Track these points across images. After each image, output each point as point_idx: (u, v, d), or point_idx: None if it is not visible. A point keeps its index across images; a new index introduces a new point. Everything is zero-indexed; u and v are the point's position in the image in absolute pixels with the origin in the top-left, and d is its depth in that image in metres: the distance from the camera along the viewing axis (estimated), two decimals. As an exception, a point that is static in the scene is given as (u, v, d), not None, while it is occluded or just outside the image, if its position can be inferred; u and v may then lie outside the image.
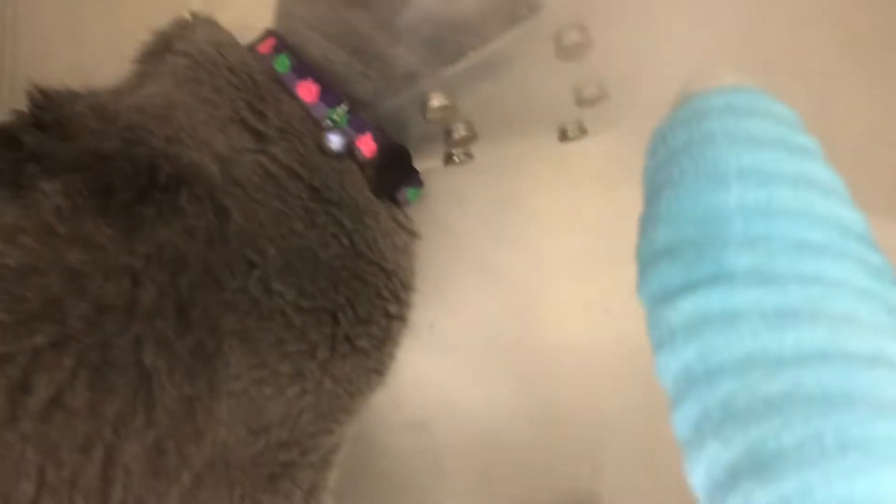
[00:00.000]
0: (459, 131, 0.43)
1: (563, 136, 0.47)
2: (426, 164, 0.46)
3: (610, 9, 0.39)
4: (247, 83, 0.38)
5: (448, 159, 0.46)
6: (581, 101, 0.44)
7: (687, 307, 0.25)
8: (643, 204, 0.29)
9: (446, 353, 0.58)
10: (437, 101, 0.41)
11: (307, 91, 0.40)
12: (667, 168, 0.28)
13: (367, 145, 0.40)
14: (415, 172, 0.43)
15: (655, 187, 0.28)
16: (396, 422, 0.55)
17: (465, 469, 0.55)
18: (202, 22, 0.42)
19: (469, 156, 0.46)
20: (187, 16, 0.43)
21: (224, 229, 0.35)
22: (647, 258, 0.27)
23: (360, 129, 0.40)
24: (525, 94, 0.43)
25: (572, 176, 0.51)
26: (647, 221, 0.28)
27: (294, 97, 0.40)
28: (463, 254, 0.56)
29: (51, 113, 0.35)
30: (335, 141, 0.39)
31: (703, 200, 0.26)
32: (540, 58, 0.40)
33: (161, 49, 0.40)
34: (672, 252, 0.26)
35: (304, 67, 0.40)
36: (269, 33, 0.42)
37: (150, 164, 0.35)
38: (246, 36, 0.42)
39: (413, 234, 0.43)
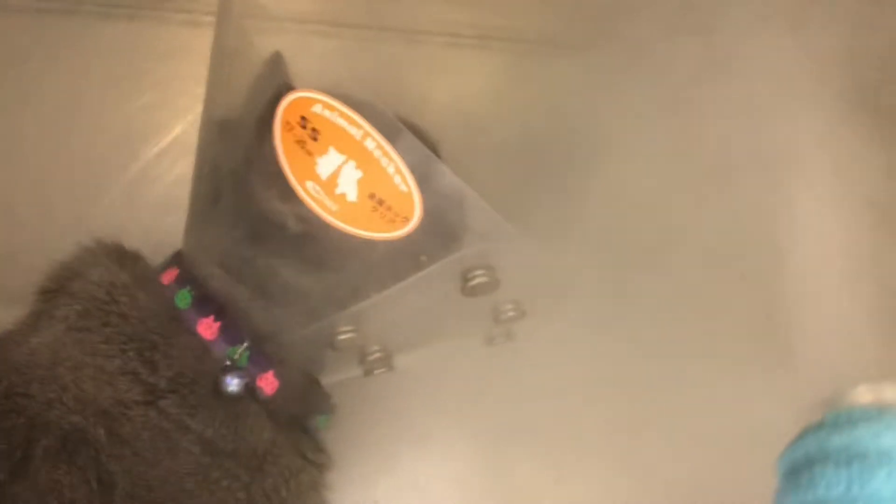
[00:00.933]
0: (374, 353, 0.42)
1: (489, 341, 0.46)
2: (344, 375, 0.45)
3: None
4: (138, 330, 0.37)
5: (368, 373, 0.44)
6: (499, 320, 0.42)
7: None
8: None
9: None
10: (344, 332, 0.39)
11: (207, 328, 0.38)
12: None
13: (268, 383, 0.39)
14: (324, 400, 0.42)
15: None
16: None
17: None
18: (104, 252, 0.40)
19: (389, 367, 0.44)
20: (91, 243, 0.42)
21: (109, 499, 0.33)
22: None
23: (262, 367, 0.39)
24: (439, 321, 0.41)
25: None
26: None
27: (194, 334, 0.38)
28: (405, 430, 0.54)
29: None
30: (233, 383, 0.38)
31: None
32: (449, 294, 0.38)
33: (58, 286, 0.39)
34: None
35: (206, 303, 0.39)
36: (174, 261, 0.41)
37: (27, 436, 0.33)
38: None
39: (323, 468, 0.41)
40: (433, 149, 0.38)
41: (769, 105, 0.54)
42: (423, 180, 0.35)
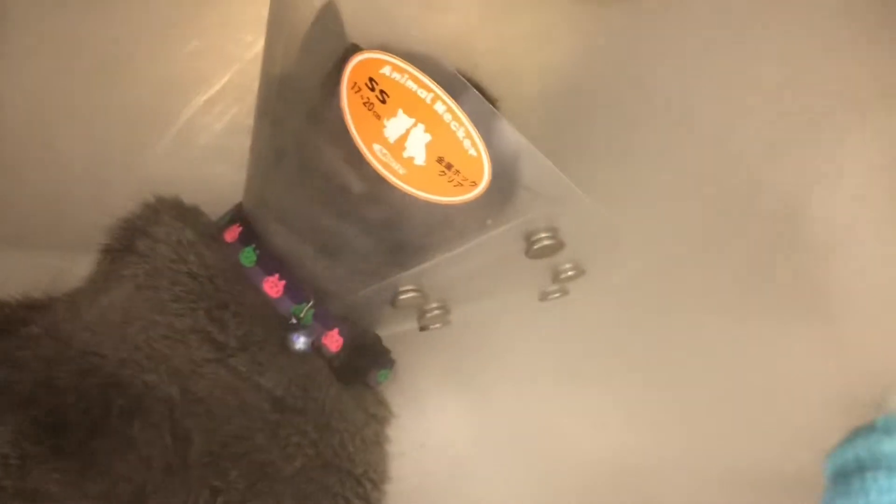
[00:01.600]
0: (432, 310, 0.42)
1: (544, 297, 0.46)
2: (400, 328, 0.45)
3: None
4: (207, 289, 0.38)
5: (423, 328, 0.45)
6: (557, 279, 0.42)
7: None
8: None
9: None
10: (406, 291, 0.40)
11: (272, 286, 0.39)
12: None
13: (333, 341, 0.40)
14: (384, 355, 0.42)
15: None
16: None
17: None
18: (166, 210, 0.41)
19: (446, 322, 0.45)
20: (152, 199, 0.42)
21: (184, 454, 0.35)
22: None
23: (327, 325, 0.39)
24: (499, 279, 0.41)
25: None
26: None
27: (259, 292, 0.39)
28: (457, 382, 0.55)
29: (3, 338, 0.35)
30: (300, 341, 0.38)
31: None
32: (512, 254, 0.38)
33: (124, 246, 0.40)
34: None
35: (271, 261, 0.39)
36: (237, 217, 0.41)
37: (103, 395, 0.34)
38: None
39: (384, 422, 0.42)
40: (493, 103, 0.37)
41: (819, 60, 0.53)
42: (487, 138, 0.34)
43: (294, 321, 0.38)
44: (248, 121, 0.54)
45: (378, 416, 0.41)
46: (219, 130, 0.58)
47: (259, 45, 0.55)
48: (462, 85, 0.33)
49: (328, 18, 0.38)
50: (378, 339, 0.42)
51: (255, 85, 0.57)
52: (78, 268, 0.45)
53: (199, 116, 0.58)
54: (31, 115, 0.57)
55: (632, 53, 0.57)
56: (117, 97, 0.57)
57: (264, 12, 0.49)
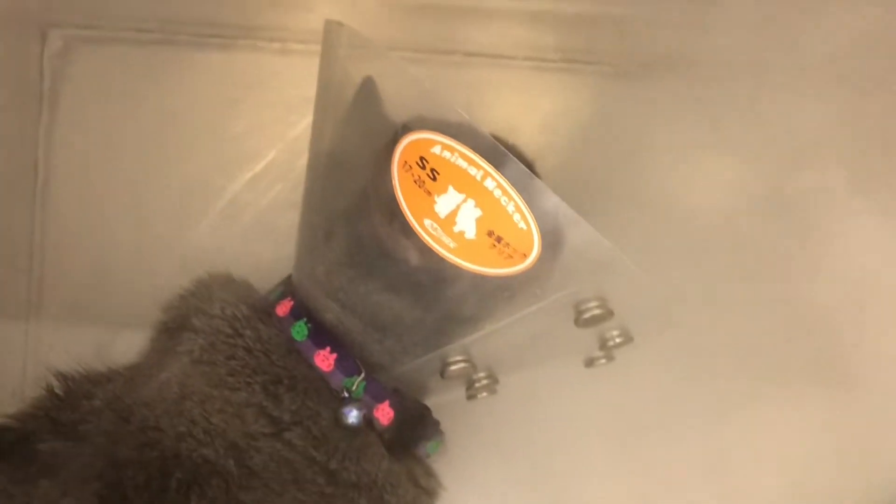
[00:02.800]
0: (480, 380, 0.43)
1: (590, 363, 0.46)
2: (448, 398, 0.46)
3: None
4: (262, 363, 0.38)
5: (471, 397, 0.45)
6: (604, 346, 0.42)
7: None
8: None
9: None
10: (455, 362, 0.40)
11: (324, 360, 0.39)
12: None
13: (384, 414, 0.40)
14: (434, 426, 0.42)
15: None
16: None
17: None
18: (220, 285, 0.42)
19: (493, 392, 0.45)
20: (205, 276, 0.43)
21: None
22: None
23: (378, 398, 0.40)
24: (546, 348, 0.42)
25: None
26: None
27: (311, 366, 0.39)
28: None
29: (68, 411, 0.36)
30: (352, 415, 0.39)
31: None
32: (560, 323, 0.39)
33: (180, 324, 0.41)
34: None
35: (321, 335, 0.40)
36: (288, 291, 0.42)
37: (162, 469, 0.34)
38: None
39: (434, 495, 0.42)
40: (531, 168, 0.38)
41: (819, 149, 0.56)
42: (531, 206, 0.35)
43: (346, 394, 0.39)
44: (292, 197, 0.57)
45: (428, 489, 0.42)
46: (263, 206, 0.60)
47: (302, 125, 0.58)
48: (502, 154, 0.34)
49: (368, 93, 0.39)
50: (428, 411, 0.42)
51: (299, 163, 0.59)
52: (131, 340, 0.46)
53: (245, 193, 0.59)
54: (82, 191, 0.60)
55: (657, 128, 0.58)
56: (164, 173, 0.60)
57: (307, 92, 0.51)
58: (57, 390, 0.38)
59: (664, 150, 0.59)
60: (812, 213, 0.58)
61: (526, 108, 0.59)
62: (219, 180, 0.60)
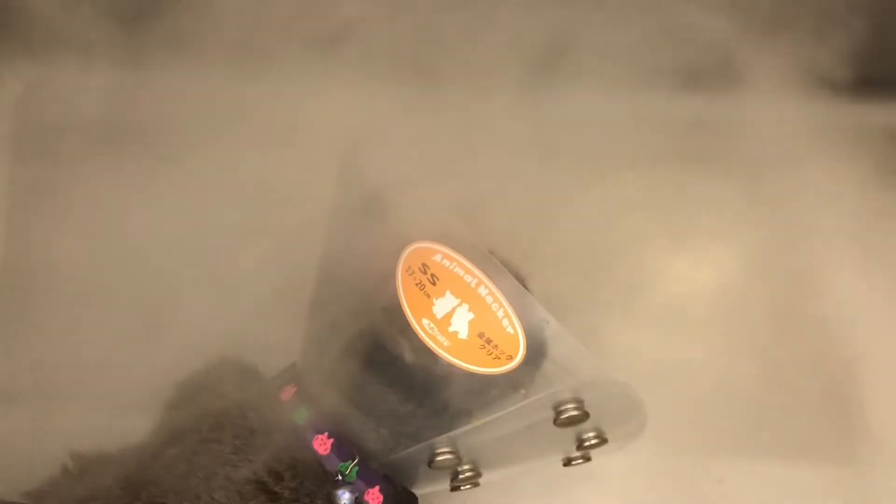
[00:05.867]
0: (465, 472, 0.46)
1: (568, 462, 0.49)
2: (433, 488, 0.48)
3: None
4: (265, 444, 0.41)
5: (455, 489, 0.48)
6: (581, 447, 0.46)
7: None
8: None
9: None
10: (442, 453, 0.43)
11: (321, 444, 0.42)
12: None
13: (374, 498, 0.43)
14: (421, 514, 0.45)
15: None
16: None
17: None
18: (230, 369, 0.45)
19: (476, 484, 0.48)
20: (215, 359, 0.47)
21: None
22: None
23: (370, 483, 0.43)
24: (528, 444, 0.45)
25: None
26: None
27: (310, 449, 0.42)
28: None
29: (81, 488, 0.38)
30: (345, 498, 0.42)
31: None
32: (540, 422, 0.42)
33: (190, 400, 0.44)
34: None
35: (321, 420, 0.43)
36: (292, 377, 0.45)
37: None
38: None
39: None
40: (522, 282, 0.43)
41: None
42: (520, 314, 0.39)
43: (340, 477, 0.42)
44: (291, 284, 0.60)
45: (412, 574, 0.44)
46: (263, 291, 0.63)
47: (303, 213, 0.62)
48: (497, 268, 0.38)
49: (378, 205, 0.44)
50: (414, 498, 0.45)
51: (301, 250, 0.63)
52: (136, 421, 0.49)
53: (247, 277, 0.63)
54: (85, 276, 0.63)
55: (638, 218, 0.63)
56: (166, 257, 0.63)
57: (309, 184, 0.56)
58: (71, 469, 0.41)
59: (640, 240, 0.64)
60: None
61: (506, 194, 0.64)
62: (222, 268, 0.63)
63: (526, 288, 0.41)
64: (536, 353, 0.41)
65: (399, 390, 0.42)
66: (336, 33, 0.62)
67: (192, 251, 0.63)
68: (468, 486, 0.47)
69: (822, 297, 0.63)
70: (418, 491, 0.48)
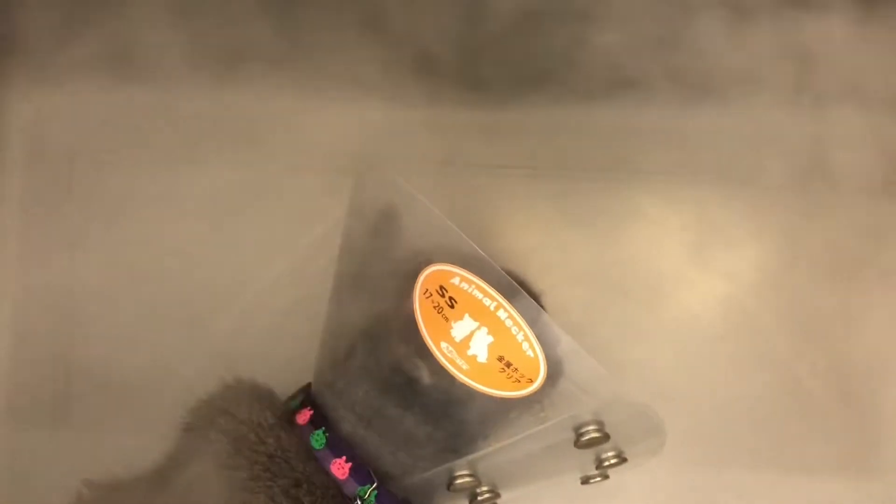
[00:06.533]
0: (483, 494, 0.45)
1: (586, 480, 0.49)
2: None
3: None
4: (283, 469, 0.41)
5: (473, 509, 0.47)
6: (600, 466, 0.45)
7: None
8: None
9: None
10: (461, 476, 0.43)
11: (339, 468, 0.42)
12: None
13: (393, 522, 0.42)
14: (439, 536, 0.45)
15: None
16: None
17: None
18: (246, 391, 0.45)
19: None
20: (232, 381, 0.47)
21: None
22: None
23: (388, 506, 0.42)
24: (547, 466, 0.45)
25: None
26: None
27: (327, 473, 0.42)
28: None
29: None
30: (364, 522, 0.41)
31: None
32: (561, 444, 0.42)
33: (206, 423, 0.44)
34: None
35: (338, 444, 0.43)
36: (308, 400, 0.45)
37: None
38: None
39: None
40: (536, 299, 0.42)
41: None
42: (539, 336, 0.39)
43: (358, 502, 0.42)
44: (304, 302, 0.60)
45: None
46: (277, 312, 0.64)
47: (312, 234, 0.62)
48: (513, 288, 0.38)
49: (391, 223, 0.43)
50: (434, 522, 0.45)
51: (307, 271, 0.63)
52: (153, 446, 0.49)
53: (260, 299, 0.63)
54: (103, 302, 0.63)
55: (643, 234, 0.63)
56: (184, 282, 0.63)
57: (322, 203, 0.56)
58: (86, 498, 0.41)
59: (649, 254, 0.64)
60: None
61: (518, 212, 0.64)
62: (236, 287, 0.63)
63: (541, 306, 0.40)
64: (554, 371, 0.40)
65: (417, 413, 0.41)
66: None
67: (207, 272, 0.63)
68: (487, 505, 0.47)
69: (839, 309, 0.63)
70: (437, 513, 0.48)
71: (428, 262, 0.39)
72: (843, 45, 0.60)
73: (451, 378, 0.39)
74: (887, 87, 0.61)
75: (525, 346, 0.38)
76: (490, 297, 0.38)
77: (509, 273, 0.39)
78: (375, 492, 0.42)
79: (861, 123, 0.61)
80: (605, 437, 0.40)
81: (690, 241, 0.66)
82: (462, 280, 0.38)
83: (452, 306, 0.39)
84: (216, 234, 0.63)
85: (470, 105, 0.65)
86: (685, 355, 0.63)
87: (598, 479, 0.48)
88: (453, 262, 0.39)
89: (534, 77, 0.64)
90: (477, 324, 0.38)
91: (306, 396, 0.45)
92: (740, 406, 0.62)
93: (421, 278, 0.39)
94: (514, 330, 0.38)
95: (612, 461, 0.44)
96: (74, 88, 0.63)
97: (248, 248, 0.64)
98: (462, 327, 0.39)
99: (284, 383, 0.50)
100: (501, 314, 0.38)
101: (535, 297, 0.46)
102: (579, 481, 0.49)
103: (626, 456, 0.45)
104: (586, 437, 0.40)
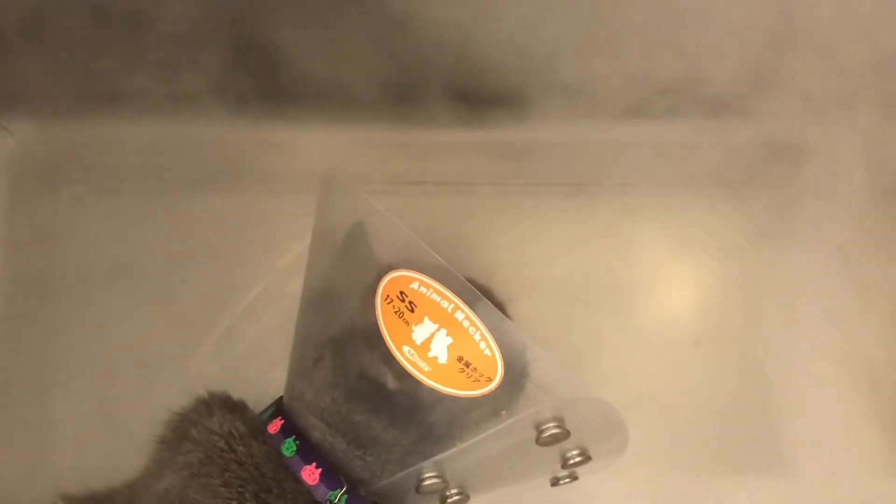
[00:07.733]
0: (453, 496, 0.46)
1: (555, 482, 0.50)
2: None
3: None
4: (254, 475, 0.42)
5: (444, 512, 0.48)
6: (566, 465, 0.46)
7: None
8: None
9: None
10: (428, 478, 0.44)
11: (310, 475, 0.43)
12: None
13: (364, 526, 0.43)
14: (409, 539, 0.46)
15: None
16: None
17: None
18: (218, 403, 0.46)
19: (464, 508, 0.49)
20: (204, 394, 0.48)
21: None
22: None
23: (358, 510, 0.43)
24: (512, 465, 0.46)
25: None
26: None
27: (298, 480, 0.43)
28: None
29: None
30: (334, 526, 0.42)
31: None
32: (523, 442, 0.43)
33: (180, 435, 0.45)
34: None
35: (308, 451, 0.44)
36: (279, 411, 0.46)
37: None
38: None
39: None
40: (501, 308, 0.44)
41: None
42: (498, 339, 0.41)
43: (329, 506, 0.43)
44: (281, 323, 0.62)
45: None
46: (253, 335, 0.65)
47: (288, 256, 0.64)
48: (474, 294, 0.40)
49: (358, 237, 0.45)
50: (404, 526, 0.46)
51: (286, 291, 0.65)
52: (133, 464, 0.50)
53: (238, 322, 0.65)
54: (87, 327, 0.64)
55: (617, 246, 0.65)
56: (165, 310, 0.65)
57: (292, 227, 0.57)
58: None
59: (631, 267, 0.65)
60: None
61: (490, 228, 0.66)
62: (214, 312, 0.65)
63: (505, 313, 0.42)
64: (518, 375, 0.42)
65: (383, 417, 0.42)
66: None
67: (185, 291, 0.64)
68: (457, 509, 0.48)
69: (812, 315, 0.65)
70: (409, 518, 0.49)
71: (388, 269, 0.41)
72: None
73: (415, 381, 0.40)
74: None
75: (482, 345, 0.39)
76: (447, 300, 0.39)
77: (472, 282, 0.40)
78: (346, 496, 0.43)
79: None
80: (566, 434, 0.41)
81: (659, 250, 0.67)
82: (421, 284, 0.40)
83: (412, 310, 0.40)
84: (196, 263, 0.65)
85: (440, 125, 0.67)
86: (658, 363, 0.65)
87: (568, 479, 0.49)
88: (413, 269, 0.40)
89: (500, 97, 0.66)
90: (436, 326, 0.40)
91: (277, 407, 0.47)
92: (713, 412, 0.64)
93: (382, 284, 0.41)
94: (471, 330, 0.39)
95: (577, 459, 0.46)
96: (54, 122, 0.65)
97: (227, 274, 0.65)
98: (422, 330, 0.40)
99: (262, 400, 0.51)
100: (459, 315, 0.39)
101: (500, 305, 0.48)
102: (549, 483, 0.50)
103: (591, 454, 0.46)
104: (547, 434, 0.41)
